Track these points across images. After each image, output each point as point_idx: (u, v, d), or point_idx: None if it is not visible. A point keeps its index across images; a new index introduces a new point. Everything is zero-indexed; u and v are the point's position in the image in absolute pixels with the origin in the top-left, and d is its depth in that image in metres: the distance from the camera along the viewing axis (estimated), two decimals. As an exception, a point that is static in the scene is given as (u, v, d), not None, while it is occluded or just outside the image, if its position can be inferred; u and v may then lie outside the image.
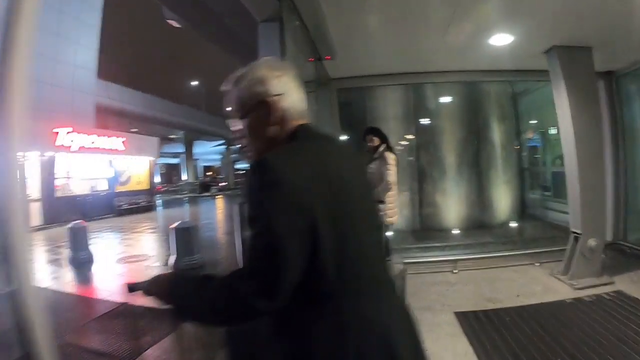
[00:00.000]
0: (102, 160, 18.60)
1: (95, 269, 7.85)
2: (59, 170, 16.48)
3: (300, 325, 1.00)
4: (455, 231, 7.76)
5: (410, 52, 5.29)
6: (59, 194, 16.38)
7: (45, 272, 8.08)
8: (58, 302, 5.96)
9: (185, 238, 6.82)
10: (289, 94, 1.17)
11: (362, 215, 1.08)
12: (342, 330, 0.98)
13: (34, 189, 15.57)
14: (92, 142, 17.73)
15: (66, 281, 7.09)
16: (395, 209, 4.56)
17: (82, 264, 7.97)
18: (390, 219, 4.49)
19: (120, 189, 19.65)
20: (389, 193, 4.37)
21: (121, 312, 4.97)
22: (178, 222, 6.95)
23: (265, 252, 0.93)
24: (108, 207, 18.38)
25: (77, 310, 5.46)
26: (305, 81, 1.76)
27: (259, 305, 0.93)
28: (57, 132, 15.93)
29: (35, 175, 15.64)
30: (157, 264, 7.92)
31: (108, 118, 24.05)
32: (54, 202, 15.90)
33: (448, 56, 5.43)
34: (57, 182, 16.39)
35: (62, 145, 16.17)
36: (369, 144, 4.59)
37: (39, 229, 14.58)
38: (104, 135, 18.56)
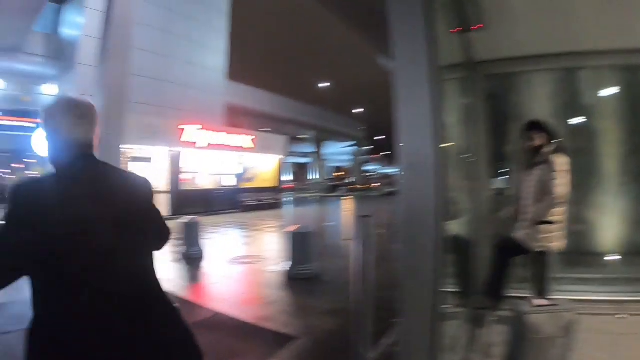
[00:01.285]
0: (230, 157, 18.79)
1: (204, 267, 7.32)
2: (186, 165, 16.91)
3: None
4: (611, 257, 5.54)
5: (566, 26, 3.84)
6: (185, 187, 16.80)
7: (158, 264, 7.78)
8: None
9: (302, 244, 6.16)
10: None
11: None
12: None
13: (162, 181, 16.23)
14: (221, 139, 17.93)
15: (170, 277, 6.61)
16: (561, 232, 3.40)
17: (192, 260, 7.60)
18: (553, 244, 3.40)
19: (247, 185, 19.73)
20: (555, 210, 3.31)
21: (212, 324, 4.30)
22: (296, 227, 6.32)
23: None
24: (233, 202, 18.53)
25: None
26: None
27: None
28: (183, 129, 16.23)
29: (164, 169, 16.25)
30: (271, 267, 7.06)
31: (238, 117, 24.87)
32: (180, 195, 16.38)
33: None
34: (184, 176, 16.81)
35: (189, 142, 16.55)
36: (528, 144, 3.54)
37: (165, 219, 15.00)
38: (233, 133, 18.74)
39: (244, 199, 19.05)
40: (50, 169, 1.34)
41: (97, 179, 1.35)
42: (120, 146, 9.27)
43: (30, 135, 16.19)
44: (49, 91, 19.93)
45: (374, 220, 2.82)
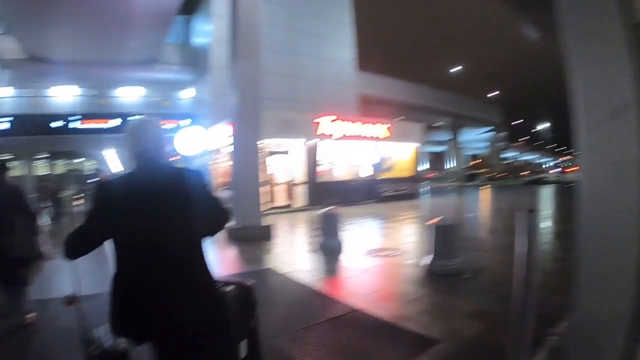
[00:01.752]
0: (366, 147, 18.44)
1: (342, 259, 7.04)
2: (323, 157, 17.00)
3: None
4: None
5: None
6: (322, 178, 16.89)
7: (295, 255, 7.81)
8: (287, 292, 5.34)
9: (445, 238, 5.65)
10: None
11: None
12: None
13: (299, 173, 16.54)
14: (356, 130, 17.68)
15: (307, 269, 6.47)
16: None
17: (330, 252, 7.39)
18: None
19: (384, 175, 19.20)
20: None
21: (349, 320, 4.07)
22: (439, 218, 5.80)
23: None
24: (370, 193, 18.14)
25: (303, 307, 4.63)
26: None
27: None
28: (318, 122, 16.31)
29: (301, 161, 16.55)
30: (410, 261, 6.56)
31: (371, 107, 24.62)
32: (317, 186, 16.51)
33: None
34: (320, 168, 16.92)
35: (325, 134, 16.56)
36: None
37: (303, 210, 15.42)
38: (367, 123, 18.38)
39: (380, 190, 18.58)
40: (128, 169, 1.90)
41: (154, 176, 1.86)
42: (258, 141, 9.44)
43: (172, 136, 18.06)
44: (186, 95, 21.96)
45: (536, 216, 2.52)
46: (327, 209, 7.82)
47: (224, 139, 14.83)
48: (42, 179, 23.25)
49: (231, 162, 10.89)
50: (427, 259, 5.79)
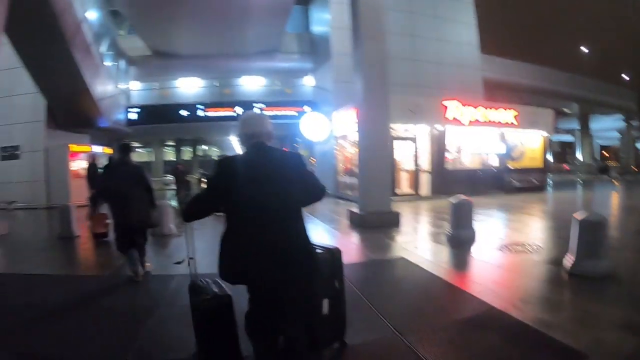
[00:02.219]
0: (493, 134, 17.20)
1: (474, 251, 6.74)
2: (449, 144, 16.20)
3: None
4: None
5: None
6: (449, 166, 16.10)
7: (424, 244, 7.71)
8: (420, 284, 5.18)
9: (591, 236, 4.95)
10: None
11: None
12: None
13: (425, 161, 15.93)
14: (483, 116, 16.54)
15: (438, 259, 6.37)
16: None
17: (461, 243, 7.09)
18: None
19: (511, 165, 17.81)
20: None
21: (486, 320, 3.77)
22: (585, 213, 5.13)
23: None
24: (498, 183, 16.90)
25: (438, 303, 4.45)
26: None
27: None
28: (446, 107, 15.52)
29: (426, 148, 15.91)
30: (548, 259, 5.99)
31: (496, 91, 23.17)
32: (444, 175, 15.80)
33: None
34: (447, 155, 16.14)
35: (453, 119, 15.71)
36: None
37: (427, 199, 14.92)
38: (493, 109, 17.12)
39: (507, 180, 17.28)
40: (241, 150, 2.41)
41: (264, 155, 2.32)
42: (386, 125, 9.05)
43: (297, 123, 18.47)
44: (307, 82, 22.25)
45: None
46: (458, 197, 7.40)
47: (348, 125, 14.72)
48: (171, 164, 25.40)
49: (357, 148, 10.75)
50: (569, 258, 5.16)
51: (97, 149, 18.15)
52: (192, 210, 2.37)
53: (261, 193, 2.15)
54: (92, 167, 10.88)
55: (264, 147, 2.35)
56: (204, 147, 31.96)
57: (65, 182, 16.42)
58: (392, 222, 9.01)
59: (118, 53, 19.91)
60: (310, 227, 2.35)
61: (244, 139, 2.40)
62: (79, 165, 16.89)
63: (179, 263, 3.31)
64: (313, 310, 2.58)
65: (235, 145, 22.08)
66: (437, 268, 5.67)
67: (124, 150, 5.41)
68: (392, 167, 12.31)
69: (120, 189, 5.00)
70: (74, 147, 16.91)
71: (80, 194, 16.56)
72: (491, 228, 9.02)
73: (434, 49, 19.67)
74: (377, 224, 8.81)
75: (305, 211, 2.36)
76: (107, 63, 17.83)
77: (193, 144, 30.75)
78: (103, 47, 17.17)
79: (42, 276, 5.75)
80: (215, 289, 2.69)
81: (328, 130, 17.58)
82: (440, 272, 5.46)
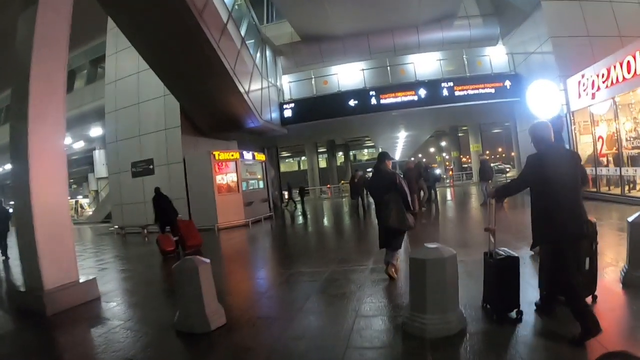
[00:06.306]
0: None
1: None
2: None
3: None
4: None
5: None
6: None
7: None
8: None
9: None
10: None
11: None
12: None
13: None
14: None
15: None
16: None
17: None
18: None
19: None
20: None
21: None
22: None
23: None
24: None
25: None
26: None
27: None
28: None
29: None
30: None
31: None
32: None
33: None
34: None
35: None
36: None
37: None
38: None
39: None
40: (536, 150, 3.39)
41: (557, 151, 3.36)
42: None
43: (492, 102, 13.76)
44: (497, 52, 17.07)
45: None
46: None
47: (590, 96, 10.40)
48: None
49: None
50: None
51: (247, 155, 15.11)
52: (506, 191, 3.73)
53: (560, 175, 3.22)
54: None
55: (552, 146, 3.40)
56: (353, 152, 28.41)
57: (210, 198, 13.58)
58: None
59: (263, 41, 16.83)
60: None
61: (538, 141, 3.42)
62: (229, 177, 13.96)
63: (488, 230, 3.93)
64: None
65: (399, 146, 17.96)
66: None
67: (379, 158, 5.78)
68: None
69: (376, 194, 5.69)
70: (220, 155, 14.03)
71: (233, 211, 13.80)
72: None
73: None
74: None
75: None
76: (252, 54, 14.54)
77: (345, 149, 27.27)
78: (245, 34, 13.90)
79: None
80: (505, 254, 3.75)
81: (558, 103, 12.41)
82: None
